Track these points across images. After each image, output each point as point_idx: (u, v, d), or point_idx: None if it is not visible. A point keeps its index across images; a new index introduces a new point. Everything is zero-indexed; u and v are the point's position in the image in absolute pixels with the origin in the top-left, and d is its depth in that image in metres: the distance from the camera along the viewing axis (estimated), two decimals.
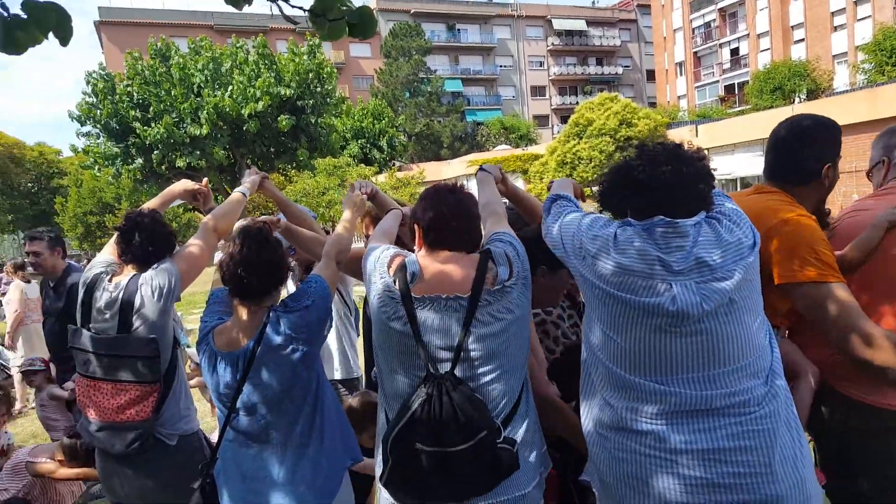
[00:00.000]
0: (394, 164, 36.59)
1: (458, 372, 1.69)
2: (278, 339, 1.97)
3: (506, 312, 1.73)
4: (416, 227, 1.91)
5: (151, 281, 2.27)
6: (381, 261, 1.84)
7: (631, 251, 1.56)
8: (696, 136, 24.66)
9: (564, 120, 42.39)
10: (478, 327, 1.70)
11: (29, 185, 52.69)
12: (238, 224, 2.30)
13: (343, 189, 21.27)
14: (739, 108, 38.28)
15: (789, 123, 2.06)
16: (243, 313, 2.05)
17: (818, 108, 19.43)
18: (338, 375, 3.30)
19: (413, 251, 1.95)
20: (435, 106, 45.93)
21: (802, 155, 2.00)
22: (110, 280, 2.34)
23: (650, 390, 1.55)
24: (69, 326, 2.41)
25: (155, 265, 2.33)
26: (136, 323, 2.24)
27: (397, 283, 1.75)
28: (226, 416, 2.04)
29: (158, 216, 2.42)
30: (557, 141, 30.00)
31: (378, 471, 1.82)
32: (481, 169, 2.37)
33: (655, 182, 1.58)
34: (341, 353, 3.32)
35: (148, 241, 2.32)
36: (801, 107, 22.81)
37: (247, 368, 1.97)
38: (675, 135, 26.88)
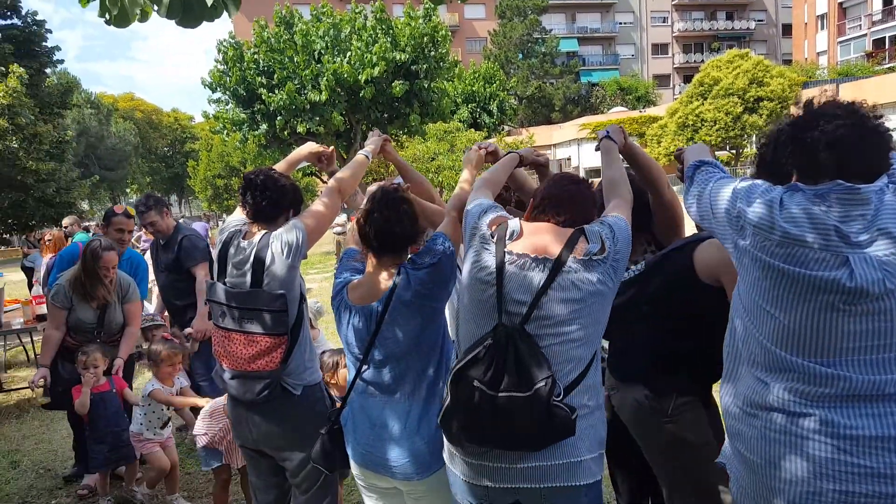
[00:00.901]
0: (503, 129, 36.23)
1: (528, 329, 1.74)
2: (408, 295, 2.04)
3: (587, 284, 1.74)
4: (531, 200, 2.02)
5: (281, 239, 2.36)
6: (485, 216, 1.93)
7: (801, 219, 1.42)
8: (837, 96, 22.52)
9: (688, 80, 39.98)
10: (556, 290, 1.74)
11: (165, 148, 57.32)
12: (373, 187, 2.38)
13: (452, 154, 21.36)
14: (889, 65, 34.40)
15: None
16: (376, 269, 2.15)
17: None
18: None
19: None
20: (548, 67, 44.78)
21: None
22: (244, 238, 2.45)
23: (814, 373, 1.43)
24: (206, 280, 2.57)
25: (284, 224, 2.41)
26: (267, 278, 2.34)
27: (495, 236, 1.84)
28: (357, 368, 2.14)
29: (272, 173, 2.50)
30: (679, 102, 28.43)
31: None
32: (607, 135, 2.28)
33: (830, 139, 1.44)
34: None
35: (261, 197, 2.41)
36: None
37: (378, 322, 2.06)
38: (813, 95, 24.67)
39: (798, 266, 1.42)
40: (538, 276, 1.76)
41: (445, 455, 1.99)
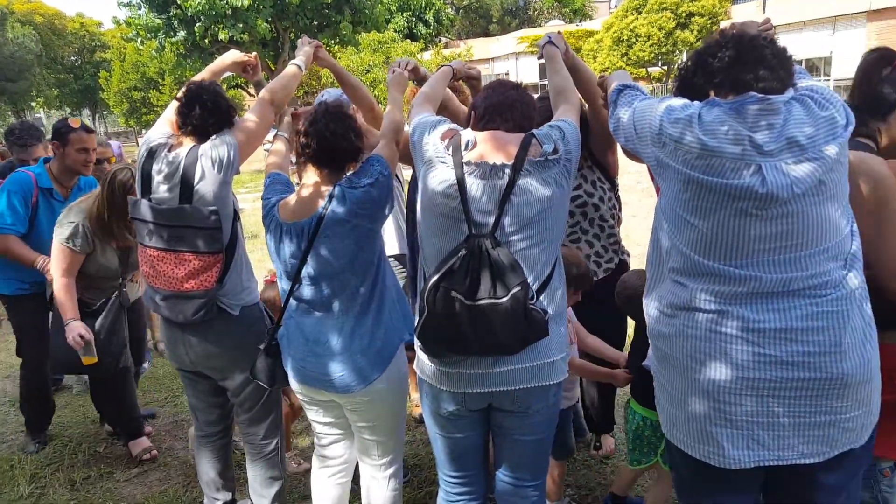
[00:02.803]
0: (440, 41, 35.21)
1: (497, 236, 1.78)
2: (343, 214, 2.01)
3: (544, 185, 1.79)
4: (473, 112, 2.01)
5: (211, 152, 2.24)
6: (435, 131, 1.93)
7: (719, 131, 1.51)
8: (763, 11, 22.90)
9: None
10: (518, 195, 1.78)
11: (72, 58, 52.34)
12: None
13: (387, 67, 20.64)
14: None
15: None
16: (311, 185, 2.09)
17: None
18: (393, 251, 3.31)
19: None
20: None
21: None
22: (169, 151, 2.31)
23: (728, 275, 1.54)
24: (128, 198, 2.43)
25: (213, 137, 2.29)
26: (197, 194, 2.23)
27: (450, 149, 1.84)
28: (290, 287, 2.11)
29: (219, 88, 2.37)
30: (614, 16, 28.19)
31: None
32: (549, 41, 2.30)
33: (746, 58, 1.54)
34: (397, 228, 3.32)
35: (209, 113, 2.28)
36: None
37: (311, 239, 2.03)
38: (741, 10, 25.02)
39: (716, 176, 1.51)
40: (500, 182, 1.78)
41: (417, 367, 2.03)
